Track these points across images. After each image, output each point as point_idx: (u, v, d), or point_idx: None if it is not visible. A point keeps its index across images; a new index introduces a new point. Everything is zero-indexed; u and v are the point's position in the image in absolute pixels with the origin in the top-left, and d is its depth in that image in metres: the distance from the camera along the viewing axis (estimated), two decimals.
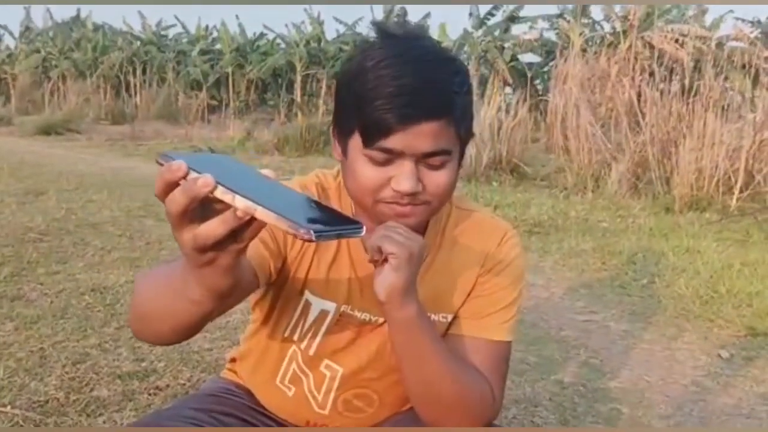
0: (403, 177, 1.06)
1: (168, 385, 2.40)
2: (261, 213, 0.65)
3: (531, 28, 15.60)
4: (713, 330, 3.27)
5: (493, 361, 1.22)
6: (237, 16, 18.15)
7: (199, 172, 0.66)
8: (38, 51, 19.73)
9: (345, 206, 1.23)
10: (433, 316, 1.21)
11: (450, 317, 1.25)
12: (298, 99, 16.31)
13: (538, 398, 2.51)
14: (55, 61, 19.16)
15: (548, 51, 15.12)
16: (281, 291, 1.25)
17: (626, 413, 2.44)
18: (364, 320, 1.24)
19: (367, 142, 1.07)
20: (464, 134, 1.12)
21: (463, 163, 1.18)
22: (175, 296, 0.83)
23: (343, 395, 1.28)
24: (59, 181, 6.68)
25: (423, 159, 1.07)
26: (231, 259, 0.73)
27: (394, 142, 1.05)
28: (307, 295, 1.23)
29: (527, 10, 15.55)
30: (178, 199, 0.67)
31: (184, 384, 2.42)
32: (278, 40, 18.37)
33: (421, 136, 1.05)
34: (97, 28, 19.98)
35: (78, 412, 2.17)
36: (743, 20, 12.83)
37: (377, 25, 1.13)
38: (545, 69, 15.80)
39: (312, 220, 0.66)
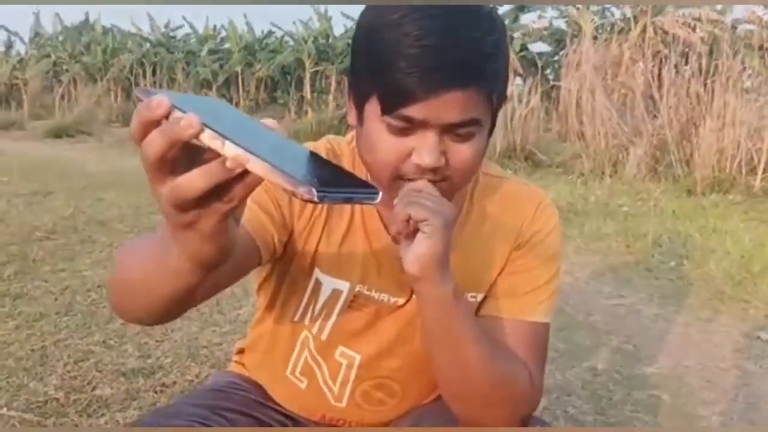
0: (425, 150, 0.92)
1: (175, 382, 2.27)
2: (254, 164, 0.51)
3: (540, 17, 15.41)
4: (749, 311, 3.11)
5: (532, 344, 1.08)
6: (245, 15, 18.09)
7: (184, 112, 0.52)
8: (48, 56, 19.74)
9: (359, 175, 1.09)
10: None
11: (480, 296, 1.11)
12: (308, 96, 16.20)
13: (571, 387, 2.36)
14: (65, 65, 19.16)
15: (558, 40, 14.90)
16: (288, 270, 1.10)
17: (667, 400, 2.29)
18: (381, 301, 1.09)
19: (387, 109, 0.92)
20: (497, 100, 0.96)
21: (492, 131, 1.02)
22: (156, 265, 0.68)
23: (361, 386, 1.14)
24: (68, 181, 6.58)
25: (450, 130, 0.92)
26: (215, 222, 0.58)
27: (416, 110, 0.90)
28: (317, 273, 1.09)
29: None
30: (155, 142, 0.52)
31: (191, 381, 2.29)
32: (286, 38, 18.26)
33: (447, 105, 0.90)
34: (106, 31, 19.97)
35: (78, 412, 2.05)
36: (755, 3, 12.58)
37: None
38: (555, 58, 15.60)
39: (316, 178, 0.52)
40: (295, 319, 1.13)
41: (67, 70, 18.89)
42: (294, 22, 17.82)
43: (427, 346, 1.00)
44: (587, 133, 7.54)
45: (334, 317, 1.11)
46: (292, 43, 17.99)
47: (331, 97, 15.57)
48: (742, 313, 3.10)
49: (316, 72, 17.00)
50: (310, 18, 17.54)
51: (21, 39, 21.01)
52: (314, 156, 0.58)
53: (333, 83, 16.01)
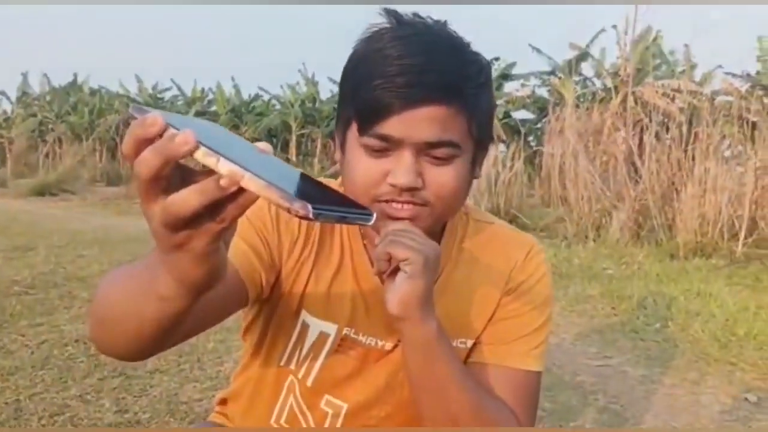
0: (400, 169, 0.91)
1: None
2: (248, 180, 0.50)
3: (523, 85, 15.73)
4: (735, 374, 3.09)
5: (521, 392, 1.05)
6: (232, 78, 18.25)
7: (178, 130, 0.51)
8: (35, 115, 19.82)
9: (350, 232, 1.07)
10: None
11: (470, 343, 1.08)
12: (294, 158, 16.32)
13: None
14: (51, 124, 19.23)
15: (540, 108, 15.20)
16: (275, 311, 1.07)
17: None
18: (369, 345, 1.06)
19: (363, 127, 0.91)
20: (478, 132, 0.95)
21: (478, 175, 1.02)
22: (142, 291, 0.66)
23: None
24: (50, 238, 6.51)
25: (425, 150, 0.91)
26: (206, 243, 0.56)
27: (391, 127, 0.89)
28: (304, 315, 1.06)
29: (519, 68, 15.67)
30: (149, 159, 0.51)
31: None
32: (273, 101, 18.49)
33: (422, 121, 0.89)
34: (93, 92, 20.14)
35: None
36: (733, 74, 12.92)
37: (389, 11, 0.96)
38: (538, 125, 15.86)
39: (310, 197, 0.51)
40: (282, 363, 1.09)
41: (52, 130, 18.94)
42: (281, 86, 18.02)
43: (412, 389, 0.97)
44: (570, 197, 7.61)
45: (320, 361, 1.07)
46: (278, 106, 18.22)
47: (316, 160, 15.69)
48: (729, 375, 3.08)
49: (302, 135, 17.18)
50: (297, 82, 17.77)
51: (8, 98, 21.09)
52: (308, 177, 0.57)
53: (319, 146, 16.15)
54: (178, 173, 0.54)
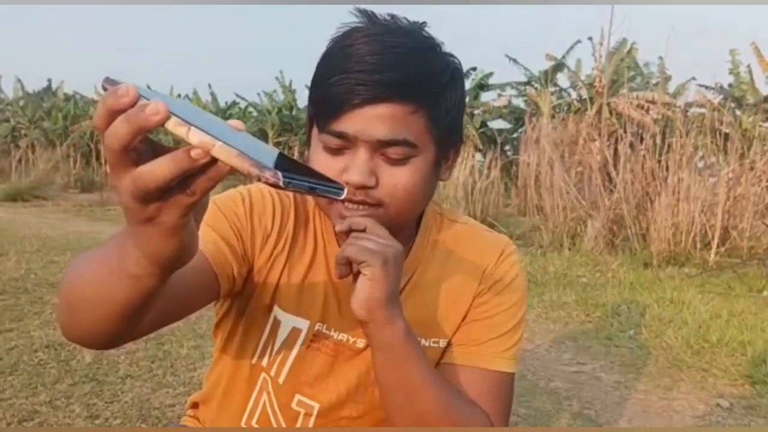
0: (353, 167, 0.90)
1: None
2: (219, 149, 0.49)
3: (500, 95, 15.82)
4: (708, 379, 3.12)
5: (494, 394, 1.04)
6: (209, 85, 18.13)
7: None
8: (8, 120, 19.56)
9: (324, 227, 1.06)
10: (422, 341, 1.03)
11: (442, 343, 1.07)
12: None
13: None
14: (24, 130, 18.98)
15: (517, 118, 15.30)
16: (246, 307, 1.06)
17: None
18: (340, 341, 1.05)
19: (320, 124, 0.92)
20: (441, 133, 0.94)
21: (444, 176, 1.01)
22: (111, 270, 0.65)
23: None
24: (21, 244, 6.41)
25: (380, 149, 0.91)
26: (177, 217, 0.56)
27: (346, 124, 0.89)
28: (276, 311, 1.04)
29: (496, 78, 15.77)
30: (120, 129, 0.50)
31: None
32: (250, 109, 18.43)
33: (376, 119, 0.88)
34: (68, 97, 19.92)
35: None
36: (706, 87, 13.11)
37: (362, 11, 0.96)
38: (514, 135, 15.96)
39: (282, 167, 0.51)
40: (253, 360, 1.08)
41: (26, 135, 18.70)
42: (258, 94, 17.96)
43: (380, 390, 0.96)
44: (546, 206, 7.66)
45: (292, 358, 1.06)
46: (256, 113, 18.15)
47: None
48: (702, 381, 3.10)
49: (279, 143, 17.12)
50: (274, 90, 17.73)
51: None
52: (282, 154, 0.57)
53: (296, 154, 16.10)
54: (149, 148, 0.53)
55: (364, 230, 0.90)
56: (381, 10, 0.97)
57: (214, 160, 0.51)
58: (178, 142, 0.51)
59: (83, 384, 2.65)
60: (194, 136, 0.50)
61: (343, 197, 0.55)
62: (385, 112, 0.88)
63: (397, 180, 0.92)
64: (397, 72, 0.88)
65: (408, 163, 0.92)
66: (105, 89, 0.52)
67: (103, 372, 2.77)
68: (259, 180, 0.49)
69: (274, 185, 0.49)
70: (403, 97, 0.89)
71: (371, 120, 0.88)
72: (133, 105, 0.51)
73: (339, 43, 0.93)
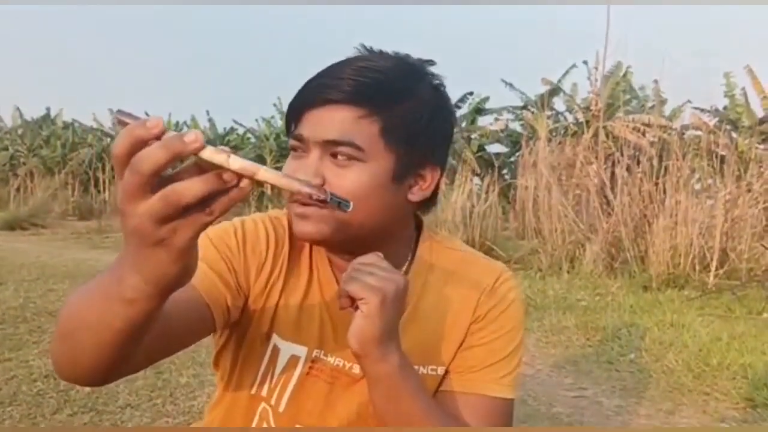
0: (301, 167, 0.94)
1: None
2: (266, 173, 0.55)
3: (496, 119, 15.89)
4: (710, 403, 3.11)
5: (493, 421, 1.04)
6: (207, 111, 18.17)
7: None
8: (6, 149, 19.59)
9: (318, 253, 1.07)
10: (420, 369, 1.04)
11: (440, 370, 1.07)
12: (269, 191, 16.28)
13: None
14: (23, 158, 19.00)
15: (514, 141, 15.34)
16: (245, 336, 1.06)
17: None
18: (337, 366, 1.05)
19: (287, 130, 0.98)
20: (400, 146, 0.95)
21: (415, 197, 1.01)
22: (106, 297, 0.66)
23: None
24: (19, 272, 6.40)
25: (329, 149, 0.94)
26: (189, 237, 0.59)
27: (302, 127, 0.95)
28: (275, 339, 1.05)
29: (492, 102, 15.85)
30: (155, 155, 0.54)
31: None
32: (248, 134, 18.46)
33: (326, 121, 0.93)
34: (67, 125, 19.95)
35: None
36: (701, 110, 13.18)
37: (366, 47, 1.01)
38: (512, 159, 16.00)
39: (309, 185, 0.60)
40: (253, 390, 1.08)
41: (24, 163, 18.72)
42: (256, 119, 18.01)
43: (377, 421, 0.97)
44: (544, 229, 7.67)
45: (292, 385, 1.06)
46: (254, 139, 18.19)
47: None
48: (703, 405, 3.10)
49: (278, 168, 17.15)
50: (272, 116, 17.77)
51: None
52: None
53: None
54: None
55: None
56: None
57: (238, 182, 0.56)
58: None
59: (83, 414, 2.64)
60: (235, 162, 0.55)
61: (350, 209, 0.64)
62: (335, 115, 0.93)
63: (342, 182, 0.93)
64: (353, 78, 0.93)
65: (353, 167, 0.94)
66: (120, 121, 0.57)
67: (102, 401, 2.76)
68: (309, 197, 0.56)
69: (322, 201, 0.57)
70: (355, 101, 0.92)
71: (323, 121, 0.93)
72: (161, 136, 0.54)
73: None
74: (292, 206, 0.97)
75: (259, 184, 0.57)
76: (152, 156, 0.54)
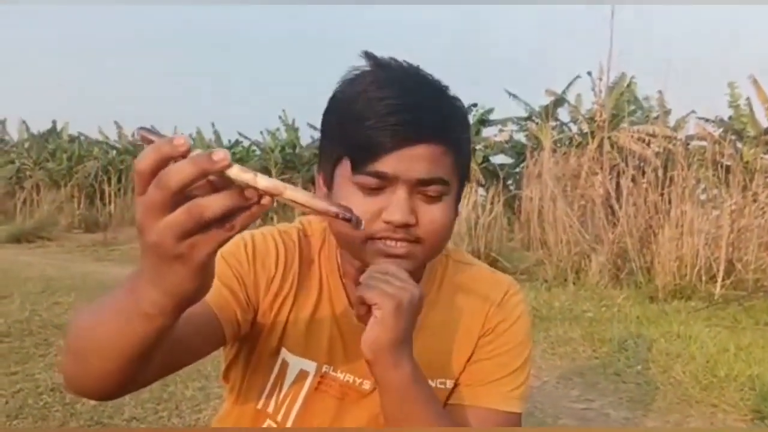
0: (395, 206, 0.92)
1: None
2: (293, 192, 0.57)
3: (501, 130, 15.90)
4: (717, 415, 3.10)
5: None
6: (212, 124, 18.21)
7: None
8: (12, 162, 19.68)
9: (330, 255, 1.08)
10: (429, 382, 1.04)
11: (449, 383, 1.08)
12: (274, 204, 16.32)
13: None
14: (29, 171, 19.08)
15: (518, 152, 15.34)
16: (254, 350, 1.07)
17: None
18: (346, 382, 1.06)
19: (357, 165, 0.93)
20: (462, 169, 0.99)
21: (459, 209, 1.05)
22: (123, 312, 0.67)
23: None
24: (25, 285, 6.41)
25: (418, 188, 0.93)
26: (208, 252, 0.60)
27: (386, 164, 0.91)
28: (284, 353, 1.05)
29: (497, 114, 15.85)
30: (184, 171, 0.55)
31: None
32: (253, 147, 18.51)
33: (416, 159, 0.92)
34: (72, 139, 20.05)
35: None
36: (706, 120, 13.17)
37: (368, 55, 1.00)
38: (516, 170, 15.99)
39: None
40: (259, 406, 1.08)
41: (30, 176, 18.79)
42: (261, 132, 18.06)
43: (387, 429, 0.97)
44: (549, 240, 7.66)
45: (300, 401, 1.06)
46: (259, 152, 18.24)
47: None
48: (711, 416, 3.08)
49: (283, 180, 17.19)
50: (277, 128, 17.82)
51: None
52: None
53: None
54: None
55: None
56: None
57: (259, 199, 0.57)
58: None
59: (88, 427, 2.64)
60: (262, 181, 0.56)
61: (361, 228, 0.65)
62: (424, 153, 0.92)
63: (435, 216, 0.95)
64: (430, 114, 0.92)
65: (442, 200, 0.96)
66: (145, 138, 0.58)
67: (108, 415, 2.76)
68: (336, 217, 0.58)
69: (349, 221, 0.58)
70: (438, 137, 0.93)
71: (411, 160, 0.91)
72: (187, 154, 0.56)
73: (357, 87, 0.96)
74: (383, 242, 0.94)
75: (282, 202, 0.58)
76: (181, 172, 0.55)
